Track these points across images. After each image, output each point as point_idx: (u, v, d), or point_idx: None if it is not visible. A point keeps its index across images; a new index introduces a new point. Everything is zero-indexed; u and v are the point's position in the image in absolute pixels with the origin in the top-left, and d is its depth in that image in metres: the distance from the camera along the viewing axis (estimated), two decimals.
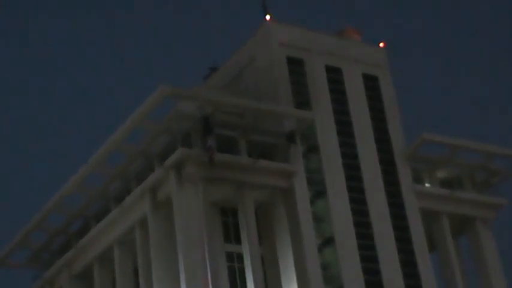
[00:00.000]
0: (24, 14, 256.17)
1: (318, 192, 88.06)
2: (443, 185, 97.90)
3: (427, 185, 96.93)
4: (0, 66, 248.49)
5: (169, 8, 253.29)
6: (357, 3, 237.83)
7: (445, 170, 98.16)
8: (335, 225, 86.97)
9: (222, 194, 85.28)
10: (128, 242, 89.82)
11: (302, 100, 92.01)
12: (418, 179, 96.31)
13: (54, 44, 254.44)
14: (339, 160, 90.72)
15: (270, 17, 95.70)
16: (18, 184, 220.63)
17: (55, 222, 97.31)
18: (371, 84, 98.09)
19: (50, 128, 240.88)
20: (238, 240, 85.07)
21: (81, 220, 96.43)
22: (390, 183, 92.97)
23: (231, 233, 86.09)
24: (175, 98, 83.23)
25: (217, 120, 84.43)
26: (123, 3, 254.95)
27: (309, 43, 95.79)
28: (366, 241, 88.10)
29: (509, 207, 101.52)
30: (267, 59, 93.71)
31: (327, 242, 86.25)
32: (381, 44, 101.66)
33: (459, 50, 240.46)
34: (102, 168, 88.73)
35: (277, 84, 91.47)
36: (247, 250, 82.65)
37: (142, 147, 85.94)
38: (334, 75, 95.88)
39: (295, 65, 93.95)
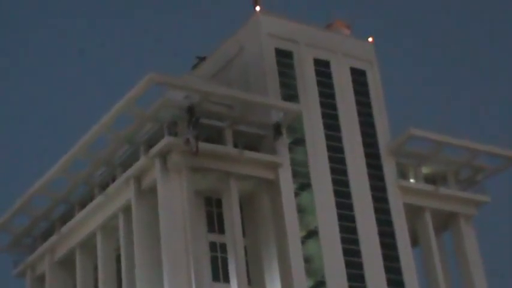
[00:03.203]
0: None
1: (303, 184, 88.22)
2: (428, 181, 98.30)
3: (411, 180, 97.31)
4: None
5: None
6: None
7: (429, 166, 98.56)
8: (319, 218, 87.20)
9: (207, 184, 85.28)
10: (111, 229, 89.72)
11: (290, 92, 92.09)
12: (402, 174, 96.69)
13: (48, 32, 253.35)
14: (325, 153, 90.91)
15: (260, 8, 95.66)
16: (1, 167, 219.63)
17: (38, 207, 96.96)
18: (359, 78, 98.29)
19: (36, 113, 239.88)
20: (221, 230, 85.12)
21: (65, 206, 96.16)
22: (375, 177, 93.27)
23: (215, 223, 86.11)
24: (163, 86, 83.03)
25: (204, 109, 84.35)
26: None
27: (298, 35, 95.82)
28: (349, 235, 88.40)
29: (492, 205, 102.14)
30: (255, 50, 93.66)
31: (311, 234, 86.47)
32: (370, 39, 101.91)
33: (448, 46, 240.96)
34: (88, 153, 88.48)
35: (265, 76, 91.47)
36: (230, 240, 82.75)
37: (128, 134, 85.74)
38: (322, 68, 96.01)
39: (284, 57, 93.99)
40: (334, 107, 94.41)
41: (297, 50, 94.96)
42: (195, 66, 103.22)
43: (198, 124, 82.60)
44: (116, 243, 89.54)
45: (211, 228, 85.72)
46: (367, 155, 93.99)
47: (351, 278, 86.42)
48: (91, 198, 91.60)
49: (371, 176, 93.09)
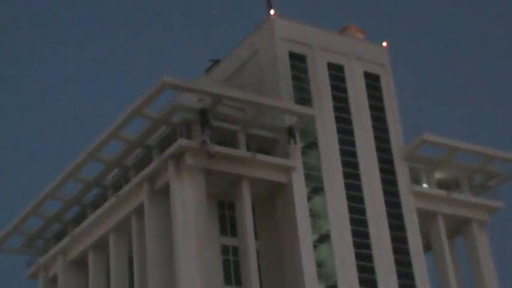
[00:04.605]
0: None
1: (316, 188, 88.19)
2: (441, 186, 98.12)
3: (424, 185, 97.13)
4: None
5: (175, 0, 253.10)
6: (361, 1, 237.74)
7: (442, 171, 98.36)
8: (331, 222, 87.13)
9: (219, 186, 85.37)
10: (123, 231, 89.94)
11: (303, 96, 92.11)
12: (415, 179, 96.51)
13: (59, 36, 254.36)
14: (338, 157, 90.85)
15: (274, 12, 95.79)
16: (15, 169, 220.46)
17: (51, 209, 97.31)
18: (372, 82, 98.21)
19: (50, 116, 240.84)
20: (234, 233, 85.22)
21: (78, 207, 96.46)
22: (388, 182, 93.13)
23: (227, 226, 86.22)
24: (176, 89, 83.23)
25: (218, 113, 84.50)
26: None
27: (311, 39, 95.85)
28: (362, 239, 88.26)
29: (505, 211, 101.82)
30: (269, 54, 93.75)
31: (323, 238, 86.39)
32: (384, 43, 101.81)
33: (463, 50, 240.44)
34: (101, 156, 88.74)
35: (279, 79, 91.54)
36: (242, 243, 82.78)
37: (141, 136, 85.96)
38: (336, 72, 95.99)
39: (298, 61, 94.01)
40: (347, 111, 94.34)
41: (311, 53, 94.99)
42: (208, 69, 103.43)
43: (211, 127, 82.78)
44: (128, 245, 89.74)
45: (223, 231, 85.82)
46: (380, 160, 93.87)
47: (363, 282, 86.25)
48: (104, 200, 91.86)
49: (384, 181, 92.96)
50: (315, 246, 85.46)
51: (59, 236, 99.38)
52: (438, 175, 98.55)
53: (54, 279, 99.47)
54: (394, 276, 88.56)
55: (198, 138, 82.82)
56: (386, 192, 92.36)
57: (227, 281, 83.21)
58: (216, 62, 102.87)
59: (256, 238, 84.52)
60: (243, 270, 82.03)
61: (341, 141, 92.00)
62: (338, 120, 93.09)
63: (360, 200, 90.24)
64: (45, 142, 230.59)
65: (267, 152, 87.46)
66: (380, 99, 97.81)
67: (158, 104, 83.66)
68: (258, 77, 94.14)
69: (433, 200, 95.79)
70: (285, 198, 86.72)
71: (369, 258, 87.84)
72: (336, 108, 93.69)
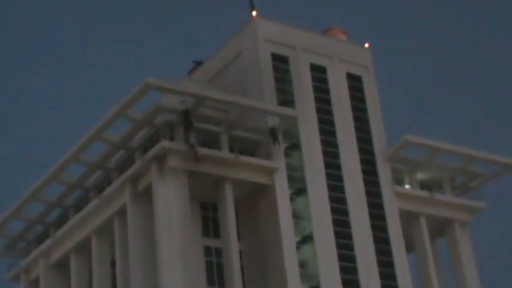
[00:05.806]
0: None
1: (299, 189, 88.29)
2: (423, 187, 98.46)
3: (407, 186, 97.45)
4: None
5: (158, 1, 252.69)
6: (344, 2, 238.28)
7: (425, 172, 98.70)
8: (314, 223, 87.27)
9: (202, 188, 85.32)
10: (106, 233, 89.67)
11: (286, 97, 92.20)
12: (398, 180, 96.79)
13: (49, 37, 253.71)
14: (321, 158, 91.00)
15: (257, 13, 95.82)
16: None
17: (33, 211, 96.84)
18: (355, 84, 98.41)
19: (32, 117, 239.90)
20: (217, 235, 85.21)
21: (60, 209, 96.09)
22: (370, 183, 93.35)
23: (210, 227, 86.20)
24: (160, 90, 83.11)
25: (201, 114, 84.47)
26: None
27: (294, 40, 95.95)
28: (344, 240, 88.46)
29: (487, 211, 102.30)
30: (252, 55, 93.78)
31: (306, 239, 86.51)
32: (366, 45, 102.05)
33: (446, 51, 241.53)
34: (83, 157, 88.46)
35: (262, 81, 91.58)
36: (225, 245, 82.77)
37: (124, 138, 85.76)
38: (319, 74, 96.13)
39: (280, 62, 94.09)
40: (330, 113, 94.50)
41: (294, 55, 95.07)
42: (191, 71, 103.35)
43: (195, 129, 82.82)
44: (111, 247, 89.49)
45: (206, 233, 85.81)
46: (363, 161, 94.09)
47: (345, 283, 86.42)
48: (86, 202, 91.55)
49: (366, 182, 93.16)
50: (297, 247, 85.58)
51: (41, 239, 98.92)
52: (420, 176, 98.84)
53: (36, 282, 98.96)
54: (377, 276, 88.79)
55: (182, 139, 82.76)
56: (368, 193, 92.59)
57: (210, 282, 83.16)
58: (199, 64, 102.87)
59: (239, 239, 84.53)
60: (226, 271, 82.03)
61: (324, 143, 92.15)
62: (320, 121, 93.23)
63: (343, 201, 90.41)
64: (27, 144, 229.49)
65: (250, 154, 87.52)
66: (362, 100, 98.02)
67: (141, 106, 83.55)
68: (241, 79, 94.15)
69: (415, 201, 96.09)
70: (268, 200, 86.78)
71: (351, 259, 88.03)
72: (319, 110, 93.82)
